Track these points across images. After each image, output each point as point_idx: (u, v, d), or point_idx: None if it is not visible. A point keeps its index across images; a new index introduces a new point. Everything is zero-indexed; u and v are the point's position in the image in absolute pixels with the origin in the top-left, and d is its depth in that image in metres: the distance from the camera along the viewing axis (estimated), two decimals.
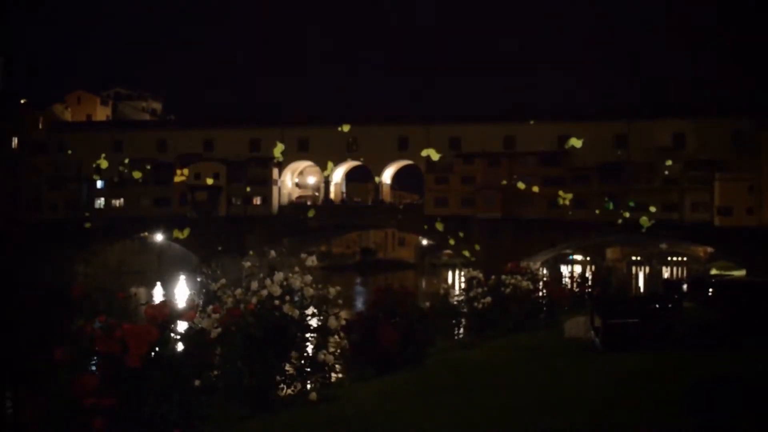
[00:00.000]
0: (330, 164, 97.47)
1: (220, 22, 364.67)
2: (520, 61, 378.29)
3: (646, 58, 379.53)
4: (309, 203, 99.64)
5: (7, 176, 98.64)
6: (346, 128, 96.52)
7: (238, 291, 11.06)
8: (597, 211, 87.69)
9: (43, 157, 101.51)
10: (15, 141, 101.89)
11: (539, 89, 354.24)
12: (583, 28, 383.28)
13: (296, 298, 11.05)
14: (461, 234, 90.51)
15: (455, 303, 22.59)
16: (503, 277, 23.79)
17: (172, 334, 7.27)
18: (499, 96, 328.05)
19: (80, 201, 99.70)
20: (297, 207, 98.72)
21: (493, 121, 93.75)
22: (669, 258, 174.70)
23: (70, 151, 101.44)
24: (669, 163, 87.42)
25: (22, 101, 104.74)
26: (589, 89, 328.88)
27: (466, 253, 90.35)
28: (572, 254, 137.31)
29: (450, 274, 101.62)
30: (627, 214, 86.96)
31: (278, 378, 10.87)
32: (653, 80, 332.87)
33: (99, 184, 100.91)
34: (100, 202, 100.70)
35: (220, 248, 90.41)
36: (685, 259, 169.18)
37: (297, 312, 10.85)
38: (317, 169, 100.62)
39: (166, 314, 7.18)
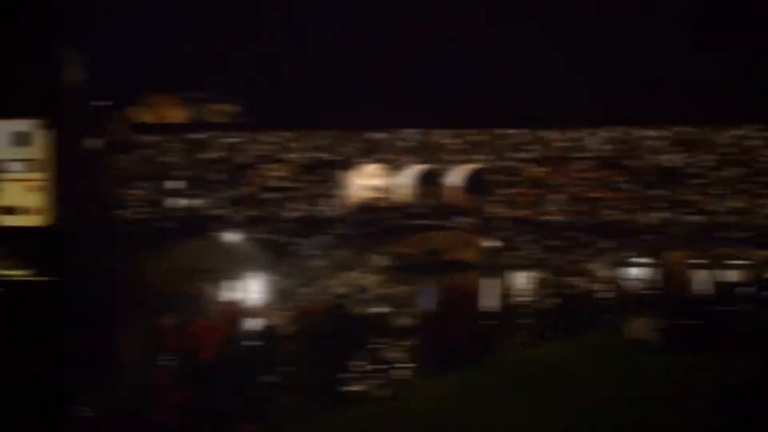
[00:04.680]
0: (400, 166, 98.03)
1: (294, 26, 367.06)
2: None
3: (693, 63, 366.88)
4: (378, 205, 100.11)
5: (87, 176, 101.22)
6: (416, 131, 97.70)
7: (309, 290, 11.39)
8: (661, 215, 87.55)
9: (123, 157, 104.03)
10: (95, 141, 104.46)
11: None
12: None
13: (365, 297, 11.34)
14: (527, 236, 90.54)
15: (520, 304, 22.67)
16: (568, 278, 23.76)
17: (243, 331, 7.59)
18: (566, 100, 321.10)
19: (157, 201, 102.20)
20: (366, 208, 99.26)
21: (560, 125, 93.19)
22: (732, 261, 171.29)
23: (148, 152, 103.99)
24: (733, 167, 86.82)
25: (103, 102, 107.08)
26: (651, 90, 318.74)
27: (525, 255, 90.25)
28: (636, 257, 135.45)
29: (516, 275, 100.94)
30: (691, 218, 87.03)
31: (346, 374, 11.17)
32: (719, 85, 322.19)
33: (176, 184, 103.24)
34: (177, 202, 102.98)
35: (291, 248, 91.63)
36: (748, 263, 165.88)
37: (365, 310, 11.14)
38: (387, 171, 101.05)
39: (238, 312, 7.52)
